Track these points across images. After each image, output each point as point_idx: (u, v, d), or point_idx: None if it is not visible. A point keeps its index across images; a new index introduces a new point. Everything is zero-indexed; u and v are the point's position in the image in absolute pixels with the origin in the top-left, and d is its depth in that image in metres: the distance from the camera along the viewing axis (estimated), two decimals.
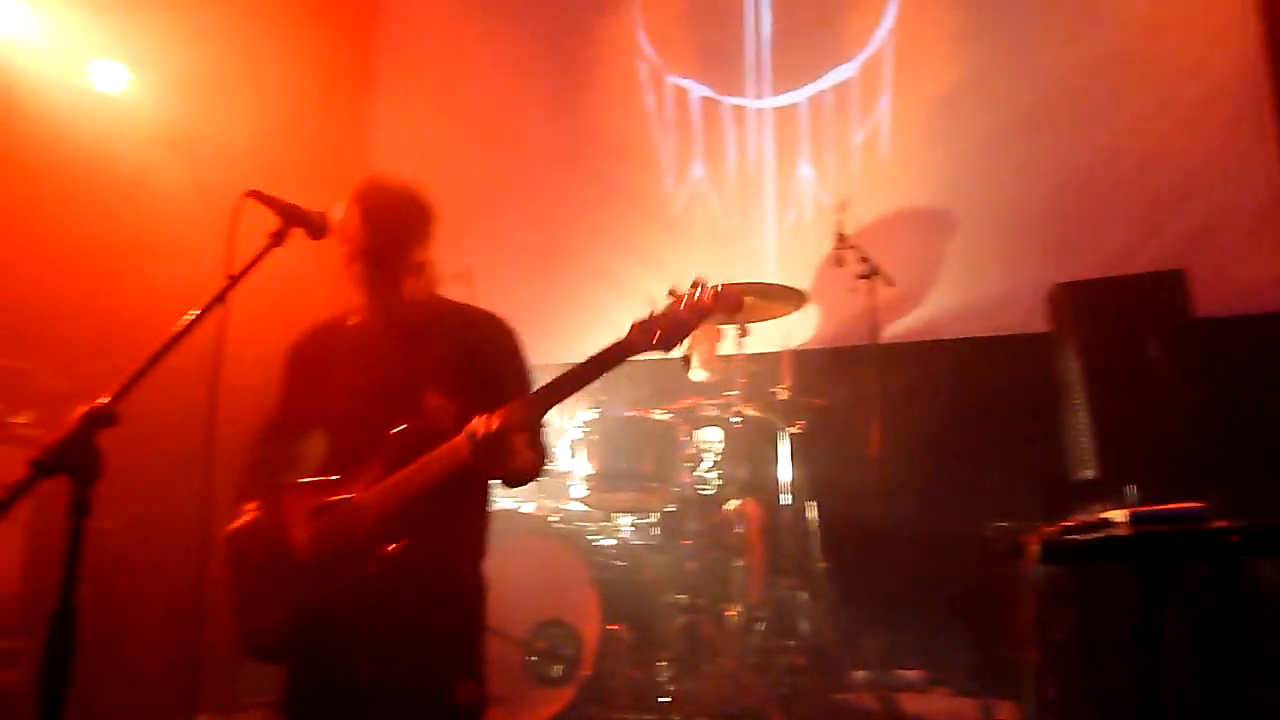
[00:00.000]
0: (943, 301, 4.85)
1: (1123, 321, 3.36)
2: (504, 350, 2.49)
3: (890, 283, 4.36)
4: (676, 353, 2.17)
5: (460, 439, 2.15)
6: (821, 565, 4.31)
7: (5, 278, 3.37)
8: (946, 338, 4.80)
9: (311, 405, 2.48)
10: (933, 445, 4.58)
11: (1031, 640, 2.91)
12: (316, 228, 2.14)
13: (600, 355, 2.17)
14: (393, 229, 2.38)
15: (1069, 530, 2.54)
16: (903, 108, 5.10)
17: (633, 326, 2.15)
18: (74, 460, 1.46)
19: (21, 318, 3.66)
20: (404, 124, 6.08)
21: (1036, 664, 2.87)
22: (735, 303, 2.18)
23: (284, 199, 2.09)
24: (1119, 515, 2.43)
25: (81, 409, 1.51)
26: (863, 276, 4.28)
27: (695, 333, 2.19)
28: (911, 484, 4.41)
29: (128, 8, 4.71)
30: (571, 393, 2.19)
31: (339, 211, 2.36)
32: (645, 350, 2.14)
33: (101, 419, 1.51)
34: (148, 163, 4.67)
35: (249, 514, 2.32)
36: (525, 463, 2.33)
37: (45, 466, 1.44)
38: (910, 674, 4.17)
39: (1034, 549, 2.56)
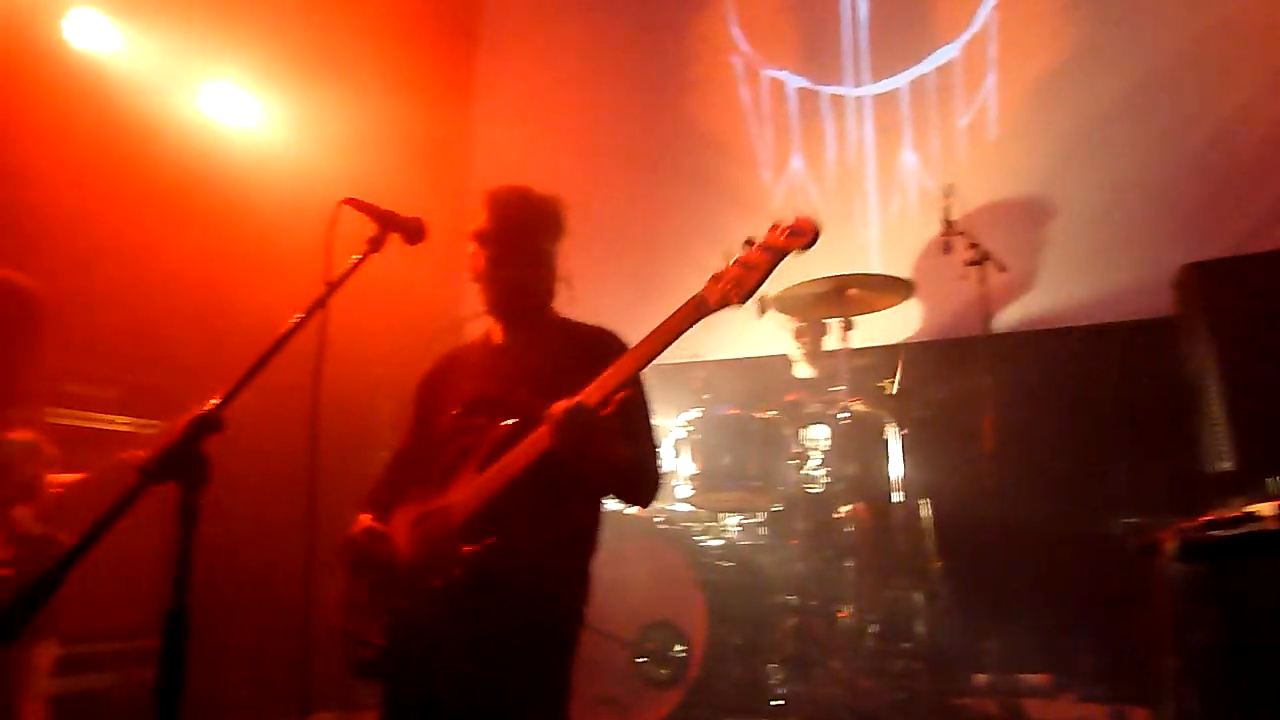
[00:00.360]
0: (1058, 287, 4.63)
1: (1257, 302, 3.13)
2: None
3: (1002, 268, 4.17)
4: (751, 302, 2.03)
5: (541, 427, 2.07)
6: (937, 565, 4.16)
7: (130, 298, 3.52)
8: (1064, 325, 4.58)
9: (433, 425, 2.48)
10: (1052, 439, 4.38)
11: (1169, 643, 2.73)
12: (413, 233, 2.14)
13: (675, 315, 2.05)
14: (525, 229, 2.39)
15: (1211, 525, 2.37)
16: (1009, 86, 4.89)
17: (709, 280, 2.04)
18: (181, 467, 1.49)
19: (149, 336, 3.82)
20: (502, 129, 6.17)
21: (1176, 669, 2.68)
22: (810, 234, 1.99)
23: (380, 205, 2.10)
24: (1267, 509, 2.25)
25: (188, 417, 1.54)
26: (972, 263, 4.11)
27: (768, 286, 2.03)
28: (1030, 479, 4.21)
29: (233, 28, 4.90)
30: (649, 358, 2.06)
31: (477, 217, 2.39)
32: (721, 302, 2.00)
33: (207, 426, 1.53)
34: (251, 175, 4.85)
35: (359, 523, 2.33)
36: (617, 455, 2.16)
37: (153, 474, 1.47)
38: (1034, 678, 3.98)
39: (1171, 546, 2.40)
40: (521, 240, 2.39)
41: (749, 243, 2.01)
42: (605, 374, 2.07)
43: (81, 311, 3.26)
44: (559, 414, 2.03)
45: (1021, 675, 3.97)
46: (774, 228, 2.01)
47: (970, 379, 4.19)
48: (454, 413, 2.39)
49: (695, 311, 2.03)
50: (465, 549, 2.11)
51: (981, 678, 3.90)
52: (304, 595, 1.83)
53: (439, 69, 5.95)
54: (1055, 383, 4.47)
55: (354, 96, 5.14)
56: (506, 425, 2.21)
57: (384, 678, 2.28)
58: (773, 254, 1.99)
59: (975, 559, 4.22)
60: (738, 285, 1.99)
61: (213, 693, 4.36)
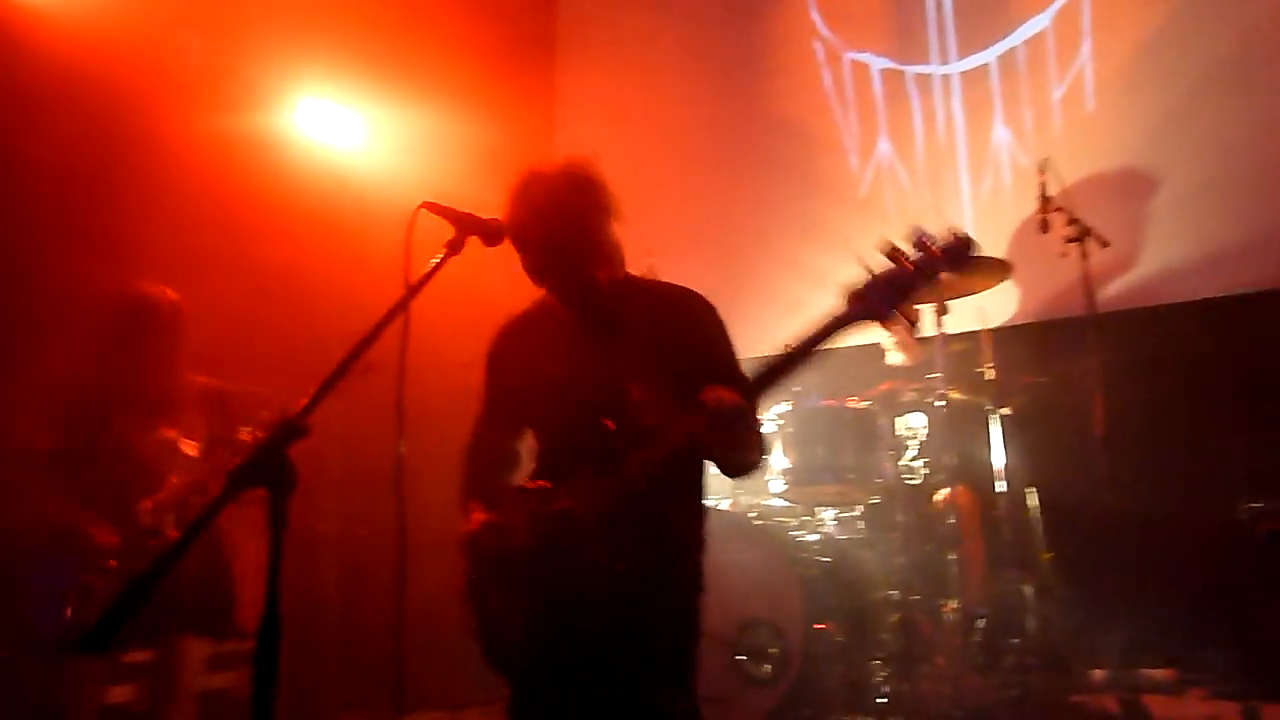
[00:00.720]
0: (1165, 262, 4.39)
1: None
2: (707, 329, 2.33)
3: (1104, 243, 3.96)
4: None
5: (692, 418, 1.98)
6: (1047, 556, 3.99)
7: (222, 307, 3.64)
8: (1173, 301, 4.34)
9: (516, 402, 2.44)
10: (1167, 420, 4.16)
11: None
12: (492, 234, 2.13)
13: (820, 328, 1.98)
14: (563, 215, 2.23)
15: None
16: (1105, 55, 4.66)
17: (851, 295, 1.95)
18: (268, 473, 1.50)
19: (241, 343, 3.95)
20: (583, 126, 6.19)
21: None
22: (966, 252, 1.93)
23: (458, 208, 2.10)
24: None
25: (274, 423, 1.56)
26: (1072, 240, 3.92)
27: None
28: (1145, 464, 4.00)
29: (322, 47, 5.04)
30: (795, 369, 2.01)
31: (513, 215, 2.29)
32: (867, 317, 1.93)
33: (292, 432, 1.55)
34: (332, 181, 5.00)
35: (476, 518, 2.28)
36: (755, 444, 2.20)
37: (240, 480, 1.49)
38: (1157, 674, 3.77)
39: None
40: (561, 219, 2.24)
41: (892, 254, 1.93)
42: (759, 370, 2.03)
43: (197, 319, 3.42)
44: (720, 408, 1.95)
45: (1143, 670, 3.77)
46: (923, 242, 1.93)
47: (1075, 361, 4.00)
48: (545, 397, 2.33)
49: (835, 327, 1.97)
50: (605, 550, 2.09)
51: (1099, 673, 3.72)
52: (397, 594, 1.84)
53: (518, 72, 6.00)
54: (1167, 361, 4.24)
55: (435, 106, 5.23)
56: (619, 427, 2.16)
57: (516, 672, 2.27)
58: (924, 272, 1.91)
59: (1088, 549, 4.04)
60: (886, 306, 1.91)
61: (313, 692, 4.50)
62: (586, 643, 2.14)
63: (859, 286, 1.95)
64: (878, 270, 1.94)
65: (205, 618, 3.17)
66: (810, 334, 2.00)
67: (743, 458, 2.22)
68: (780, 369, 2.02)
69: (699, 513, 2.33)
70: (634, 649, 2.14)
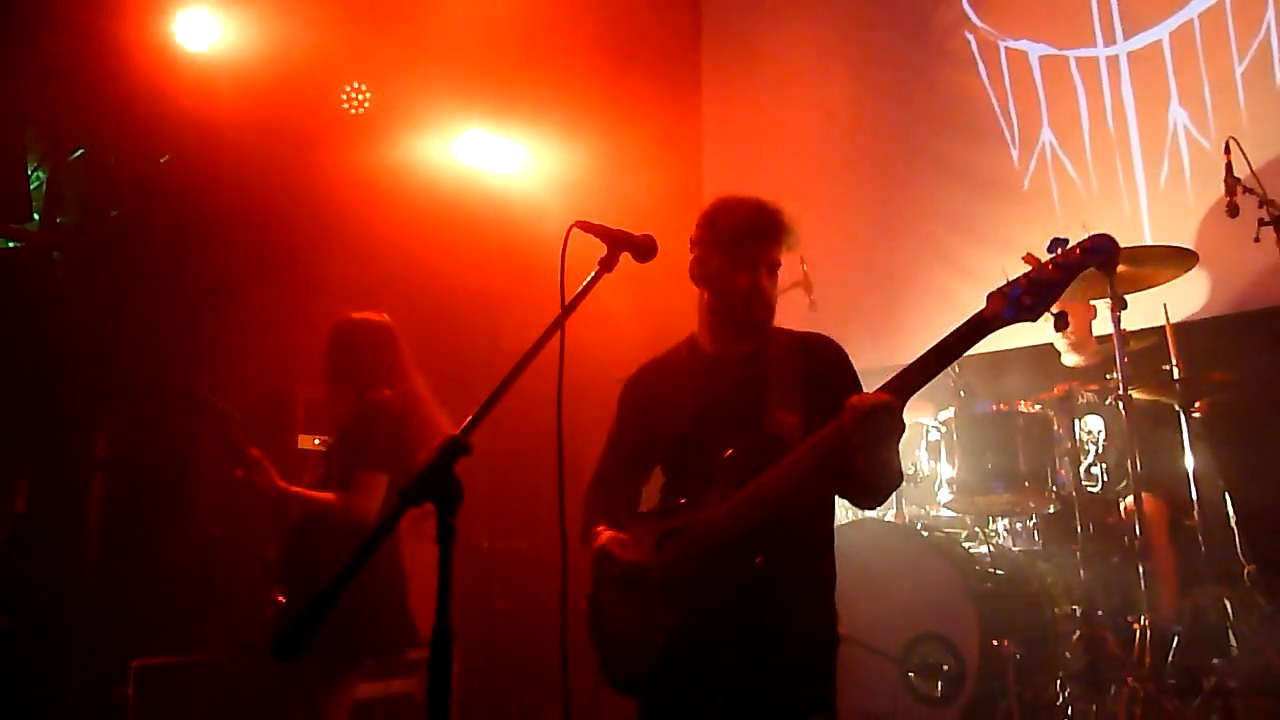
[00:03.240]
0: None
1: None
2: (841, 371, 2.37)
3: None
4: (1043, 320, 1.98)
5: (838, 420, 2.02)
6: (1249, 569, 3.67)
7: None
8: None
9: (647, 442, 2.47)
10: None
11: None
12: (644, 251, 2.14)
13: (959, 331, 2.01)
14: (761, 237, 2.32)
15: None
16: None
17: (990, 296, 1.98)
18: (436, 489, 1.55)
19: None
20: (732, 133, 6.19)
21: None
22: (1110, 252, 1.91)
23: (609, 226, 2.12)
24: None
25: (440, 441, 1.61)
26: (1267, 223, 3.60)
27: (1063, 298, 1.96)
28: None
29: (477, 83, 5.28)
30: (936, 372, 2.04)
31: (710, 223, 2.38)
32: (1007, 318, 1.95)
33: (457, 449, 1.60)
34: (488, 206, 5.21)
35: (601, 536, 2.31)
36: (896, 457, 2.19)
37: (410, 496, 1.55)
38: None
39: None
40: (756, 248, 2.34)
41: (1028, 259, 1.95)
42: (902, 372, 2.05)
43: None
44: (864, 407, 1.98)
45: None
46: (1061, 244, 1.95)
47: (1273, 355, 3.68)
48: (682, 428, 2.36)
49: (975, 331, 2.00)
50: (756, 561, 2.08)
51: None
52: (560, 609, 1.87)
53: (666, 98, 6.06)
54: None
55: (587, 133, 5.37)
56: (753, 439, 2.18)
57: (644, 693, 2.27)
58: (1066, 271, 1.92)
59: None
60: (1029, 307, 1.93)
61: (484, 703, 4.65)
62: (724, 653, 2.12)
63: (1000, 287, 1.97)
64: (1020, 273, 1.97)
65: (384, 639, 3.18)
66: (951, 336, 2.01)
67: (884, 465, 2.18)
68: (922, 370, 2.04)
69: (831, 508, 2.35)
70: (774, 653, 2.11)
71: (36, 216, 4.46)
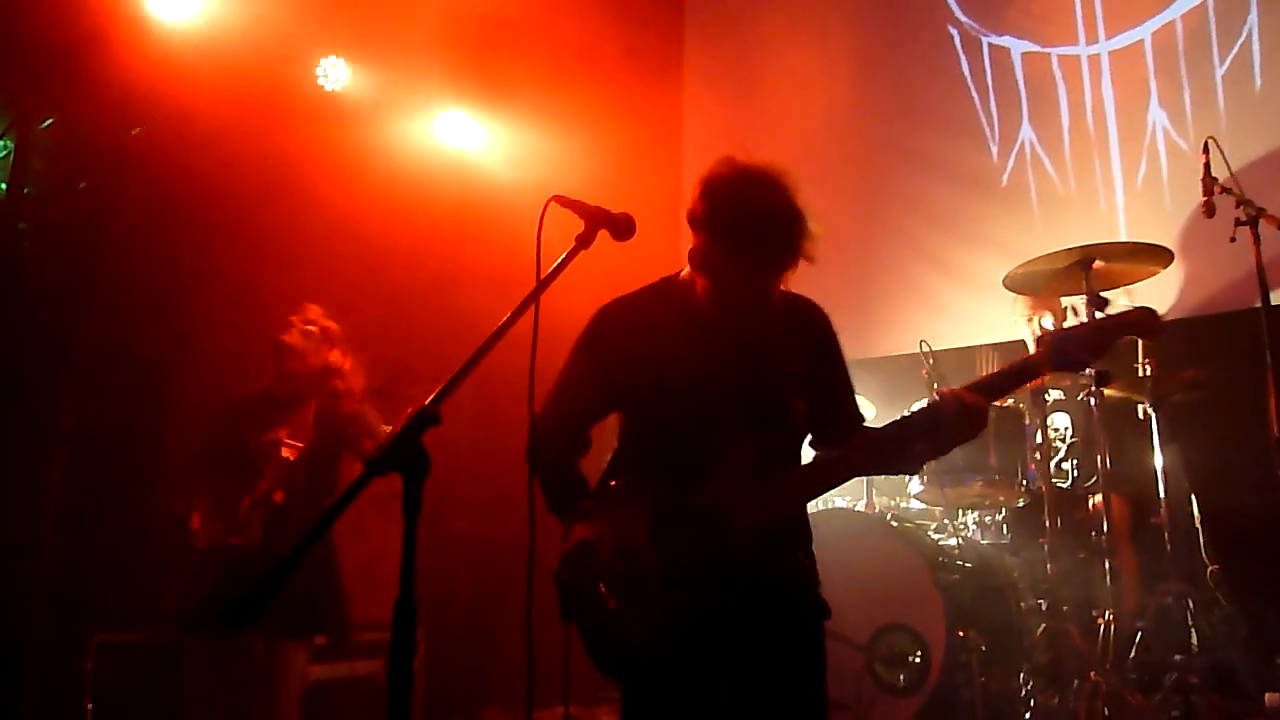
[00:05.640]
0: None
1: None
2: (831, 337, 2.35)
3: None
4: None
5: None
6: (1212, 568, 3.71)
7: (367, 301, 3.82)
8: None
9: (618, 387, 2.25)
10: None
11: None
12: (622, 228, 2.10)
13: (1001, 375, 2.22)
14: (785, 218, 2.08)
15: None
16: (1274, 27, 4.31)
17: (1039, 340, 2.19)
18: (403, 459, 1.53)
19: (381, 334, 4.13)
20: (713, 117, 6.17)
21: None
22: (1158, 326, 2.19)
23: (588, 202, 2.08)
24: None
25: (408, 411, 1.59)
26: (1243, 223, 3.62)
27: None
28: None
29: (454, 62, 5.23)
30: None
31: (697, 202, 2.13)
32: (1053, 368, 2.16)
33: (426, 420, 1.57)
34: (465, 185, 5.17)
35: (590, 524, 2.15)
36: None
37: (376, 466, 1.52)
38: None
39: None
40: (767, 259, 2.12)
41: (1075, 311, 2.11)
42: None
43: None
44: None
45: None
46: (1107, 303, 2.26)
47: (1244, 355, 3.70)
48: (676, 390, 2.18)
49: (1020, 376, 2.20)
50: (764, 556, 2.09)
51: (1273, 697, 3.43)
52: (527, 590, 1.85)
53: (646, 77, 6.03)
54: None
55: (564, 105, 5.33)
56: (782, 436, 2.20)
57: (636, 673, 2.16)
58: (1114, 332, 2.15)
59: (1260, 561, 3.74)
60: (1075, 360, 2.17)
61: (450, 686, 4.61)
62: (720, 649, 2.09)
63: (1049, 333, 2.20)
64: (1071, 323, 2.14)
65: (321, 617, 3.30)
66: (999, 376, 2.23)
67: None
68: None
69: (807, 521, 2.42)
70: (786, 657, 2.12)
71: (3, 186, 4.38)
